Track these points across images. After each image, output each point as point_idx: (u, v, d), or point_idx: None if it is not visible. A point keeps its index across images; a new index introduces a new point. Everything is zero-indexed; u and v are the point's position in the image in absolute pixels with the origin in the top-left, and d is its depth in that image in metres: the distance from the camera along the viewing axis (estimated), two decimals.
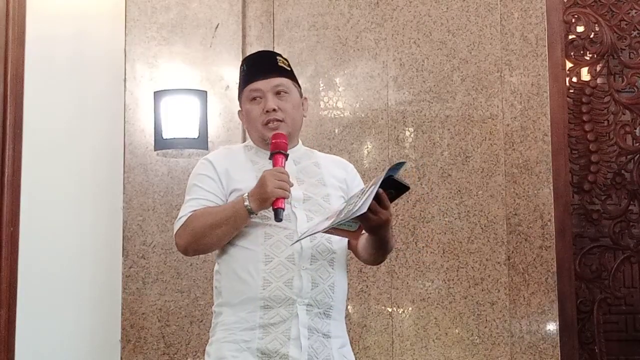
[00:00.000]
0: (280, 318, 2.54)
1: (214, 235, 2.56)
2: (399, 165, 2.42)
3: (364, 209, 2.36)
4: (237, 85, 2.81)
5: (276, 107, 2.64)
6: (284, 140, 2.60)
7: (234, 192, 2.61)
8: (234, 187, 2.62)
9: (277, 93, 2.67)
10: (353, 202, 2.43)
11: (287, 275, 2.55)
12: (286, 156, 2.59)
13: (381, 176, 2.37)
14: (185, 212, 2.61)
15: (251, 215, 2.53)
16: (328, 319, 2.62)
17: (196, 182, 2.66)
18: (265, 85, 2.66)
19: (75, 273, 4.23)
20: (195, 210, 2.59)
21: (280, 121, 2.65)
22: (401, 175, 2.47)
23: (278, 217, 2.49)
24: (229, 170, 2.64)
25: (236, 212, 2.54)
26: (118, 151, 4.13)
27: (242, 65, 2.76)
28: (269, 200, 2.49)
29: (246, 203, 2.51)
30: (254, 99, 2.67)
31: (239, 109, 2.77)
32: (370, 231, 2.54)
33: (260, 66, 2.70)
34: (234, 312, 2.58)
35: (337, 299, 2.65)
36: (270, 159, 2.59)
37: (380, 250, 2.65)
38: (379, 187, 2.38)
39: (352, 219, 2.44)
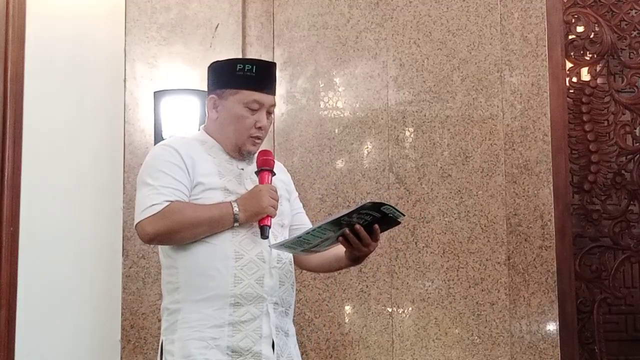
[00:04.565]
0: (250, 316, 2.54)
1: (190, 233, 2.53)
2: (382, 205, 2.48)
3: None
4: (217, 71, 2.70)
5: (265, 127, 2.67)
6: (272, 158, 2.64)
7: (198, 185, 2.58)
8: (198, 180, 2.59)
9: (268, 111, 2.67)
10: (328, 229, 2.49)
11: (258, 273, 2.56)
12: (273, 174, 2.63)
13: (362, 205, 2.44)
14: (158, 200, 2.52)
15: (235, 224, 2.54)
16: (287, 317, 2.66)
17: (163, 168, 2.57)
18: (267, 100, 2.65)
19: (75, 273, 4.23)
20: (171, 201, 2.53)
21: (261, 139, 2.68)
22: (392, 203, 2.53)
23: (265, 235, 2.54)
24: (194, 162, 2.60)
25: (222, 216, 2.53)
26: (118, 151, 4.13)
27: (247, 64, 2.65)
28: (261, 215, 2.54)
29: (235, 210, 2.53)
30: (252, 108, 2.63)
31: (213, 96, 2.67)
32: (354, 259, 2.62)
33: (268, 78, 2.68)
34: (197, 308, 2.54)
35: (294, 298, 2.71)
36: (256, 174, 2.62)
37: (341, 268, 2.78)
38: (373, 222, 2.48)
39: (330, 243, 2.56)
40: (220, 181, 2.60)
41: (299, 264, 2.81)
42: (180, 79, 4.11)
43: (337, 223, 2.46)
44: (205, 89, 4.01)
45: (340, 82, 4.21)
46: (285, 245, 2.55)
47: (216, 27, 4.19)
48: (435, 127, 4.17)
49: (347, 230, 2.48)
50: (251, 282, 2.54)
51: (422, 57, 4.21)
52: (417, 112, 4.18)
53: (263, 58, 4.14)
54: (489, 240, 4.10)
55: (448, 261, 4.09)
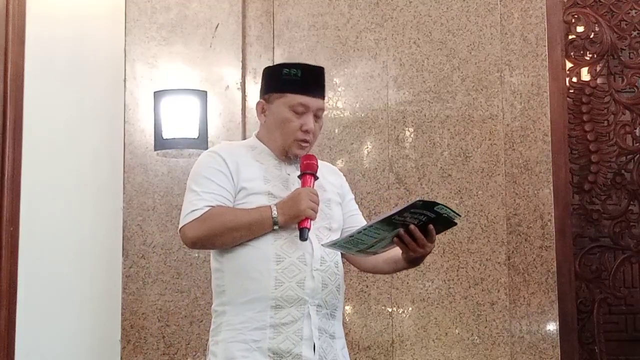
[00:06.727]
0: (291, 318, 2.54)
1: (230, 237, 2.55)
2: (435, 204, 2.46)
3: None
4: (266, 76, 2.71)
5: (313, 130, 2.66)
6: (315, 162, 2.63)
7: (242, 191, 2.61)
8: (242, 186, 2.61)
9: (316, 115, 2.67)
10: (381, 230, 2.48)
11: (299, 275, 2.56)
12: (316, 178, 2.62)
13: (413, 203, 2.43)
14: (199, 205, 2.56)
15: (274, 227, 2.55)
16: (333, 319, 2.64)
17: (207, 174, 2.61)
18: (314, 104, 2.64)
19: (75, 273, 4.23)
20: (212, 206, 2.56)
21: (309, 143, 2.67)
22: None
23: (303, 237, 2.53)
24: (239, 168, 2.62)
25: (261, 220, 2.55)
26: (118, 151, 4.13)
27: (293, 68, 2.66)
28: (300, 218, 2.54)
29: (274, 214, 2.54)
30: (297, 112, 2.63)
31: (261, 100, 2.69)
32: (411, 261, 2.61)
33: (316, 82, 2.68)
34: (241, 311, 2.56)
35: (341, 300, 2.70)
36: (299, 178, 2.61)
37: (400, 270, 2.77)
38: (428, 222, 2.47)
39: (385, 244, 2.55)
40: (265, 186, 2.62)
41: (356, 265, 2.81)
42: (180, 79, 4.11)
43: (389, 222, 2.45)
44: (205, 89, 4.08)
45: (340, 82, 4.21)
46: (338, 245, 2.55)
47: (216, 27, 4.19)
48: (435, 127, 4.17)
49: (401, 231, 2.48)
50: (292, 285, 2.54)
51: (422, 57, 4.21)
52: (417, 112, 4.18)
53: (263, 58, 4.16)
54: (489, 240, 4.10)
55: (448, 261, 4.09)
